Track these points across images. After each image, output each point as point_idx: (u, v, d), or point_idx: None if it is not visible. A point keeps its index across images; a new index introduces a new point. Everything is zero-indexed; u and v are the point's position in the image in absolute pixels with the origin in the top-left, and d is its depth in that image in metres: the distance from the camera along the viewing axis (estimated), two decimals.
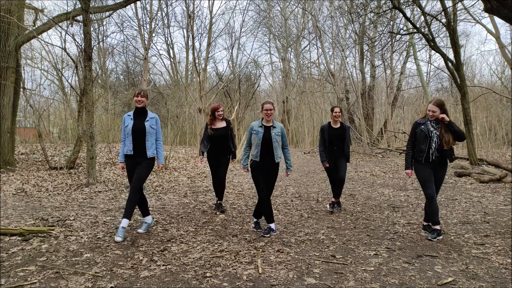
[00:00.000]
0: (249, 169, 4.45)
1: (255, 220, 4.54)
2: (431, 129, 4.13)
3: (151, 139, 4.28)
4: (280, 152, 4.38)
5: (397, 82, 21.54)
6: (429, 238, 4.08)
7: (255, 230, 4.48)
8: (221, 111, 5.51)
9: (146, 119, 4.28)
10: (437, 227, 4.14)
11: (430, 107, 4.14)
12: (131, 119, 4.26)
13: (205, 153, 5.58)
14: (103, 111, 20.83)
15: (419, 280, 2.98)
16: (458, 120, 16.13)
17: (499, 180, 8.24)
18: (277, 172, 4.44)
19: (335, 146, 5.47)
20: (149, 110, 4.47)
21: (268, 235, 4.23)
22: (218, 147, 5.47)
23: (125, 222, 4.09)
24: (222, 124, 5.52)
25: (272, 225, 4.34)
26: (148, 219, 4.49)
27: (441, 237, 4.12)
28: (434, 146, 4.09)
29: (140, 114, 4.30)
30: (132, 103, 4.36)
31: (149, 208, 5.66)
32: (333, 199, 5.67)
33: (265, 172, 4.35)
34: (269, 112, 4.31)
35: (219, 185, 5.58)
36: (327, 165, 5.52)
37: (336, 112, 5.50)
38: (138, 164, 4.23)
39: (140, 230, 4.36)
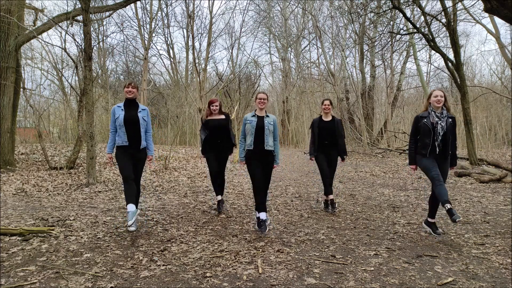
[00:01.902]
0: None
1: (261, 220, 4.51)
2: (436, 119, 4.08)
3: (143, 130, 4.37)
4: (271, 141, 4.43)
5: (397, 82, 21.55)
6: (455, 219, 3.73)
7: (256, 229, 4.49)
8: (216, 105, 5.35)
9: (139, 110, 4.35)
10: (448, 205, 3.88)
11: (435, 93, 4.11)
12: (122, 110, 4.29)
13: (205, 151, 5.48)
14: (103, 111, 20.84)
15: (419, 280, 2.98)
16: (458, 120, 16.12)
17: (499, 180, 8.24)
18: (272, 162, 4.49)
19: (326, 140, 5.43)
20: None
21: (266, 230, 4.22)
22: (216, 138, 5.32)
23: (131, 207, 4.16)
24: (220, 116, 5.42)
25: (262, 215, 4.31)
26: (131, 207, 4.19)
27: (460, 218, 3.85)
28: (440, 138, 4.05)
29: (131, 105, 4.35)
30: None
31: (149, 208, 5.69)
32: (325, 197, 5.67)
33: (259, 160, 4.41)
34: (262, 101, 4.41)
35: (218, 180, 5.46)
36: (313, 159, 5.57)
37: (325, 105, 5.46)
38: (134, 156, 4.30)
39: (130, 225, 4.18)
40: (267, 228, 4.28)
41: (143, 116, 4.35)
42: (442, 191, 3.97)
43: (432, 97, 4.14)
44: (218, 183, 5.50)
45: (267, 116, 4.47)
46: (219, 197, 5.51)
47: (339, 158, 5.64)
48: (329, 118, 5.51)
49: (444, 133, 4.05)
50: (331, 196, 5.59)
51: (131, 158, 4.30)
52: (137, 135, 4.31)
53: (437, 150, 4.06)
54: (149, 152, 4.45)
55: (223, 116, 5.43)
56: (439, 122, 4.06)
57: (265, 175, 4.47)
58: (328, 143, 5.44)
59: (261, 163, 4.42)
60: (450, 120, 4.10)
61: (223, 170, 5.55)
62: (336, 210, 5.53)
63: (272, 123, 4.43)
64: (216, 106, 5.38)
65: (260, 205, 4.39)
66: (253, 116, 4.45)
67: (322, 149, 5.49)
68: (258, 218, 4.48)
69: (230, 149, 5.52)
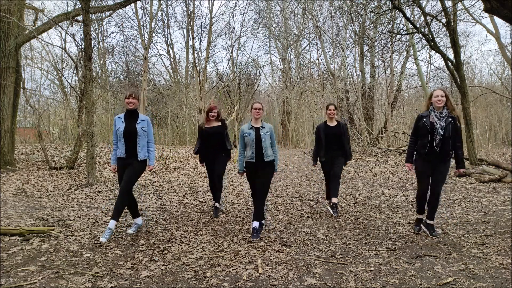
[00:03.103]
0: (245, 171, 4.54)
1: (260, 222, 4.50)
2: (435, 119, 4.03)
3: (142, 141, 4.24)
4: (270, 152, 4.42)
5: (397, 82, 21.55)
6: (416, 230, 4.34)
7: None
8: (215, 112, 5.40)
9: (138, 122, 4.23)
10: (419, 216, 4.41)
11: (436, 93, 4.06)
12: (122, 121, 4.22)
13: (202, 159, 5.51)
14: (103, 111, 20.83)
15: (419, 280, 2.98)
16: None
17: (499, 180, 8.24)
18: (271, 171, 4.45)
19: (333, 145, 5.35)
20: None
21: (257, 238, 4.09)
22: (213, 146, 5.36)
23: (112, 224, 4.05)
24: (217, 124, 5.46)
25: (254, 223, 4.20)
26: (139, 220, 4.46)
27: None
28: (438, 137, 4.00)
29: (131, 117, 4.25)
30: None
31: (149, 208, 5.68)
32: (332, 200, 5.44)
33: (259, 171, 4.40)
34: (258, 111, 4.39)
35: (215, 186, 5.40)
36: (315, 166, 5.59)
37: (330, 110, 5.38)
38: (129, 165, 4.20)
39: (129, 231, 4.31)
40: (259, 237, 4.14)
41: (142, 127, 4.23)
42: (422, 203, 4.36)
43: (433, 97, 4.09)
44: (216, 189, 5.46)
45: (263, 127, 4.43)
46: (217, 204, 5.46)
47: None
48: (334, 123, 5.43)
49: (443, 134, 3.99)
50: (334, 200, 5.42)
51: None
52: (135, 147, 4.20)
53: (437, 150, 4.03)
54: (150, 162, 4.37)
55: (219, 124, 5.47)
56: (437, 121, 4.01)
57: (263, 181, 4.37)
58: (336, 147, 5.36)
59: (260, 173, 4.40)
60: (450, 119, 4.01)
61: (221, 174, 5.47)
62: (337, 214, 5.46)
63: (268, 133, 4.41)
64: (215, 113, 5.42)
65: (257, 216, 4.27)
66: (251, 128, 4.42)
67: (329, 154, 5.39)
68: (260, 224, 4.35)
69: (228, 155, 5.52)
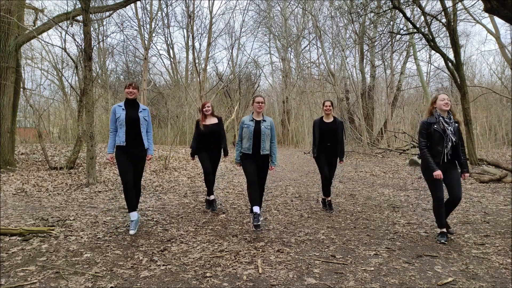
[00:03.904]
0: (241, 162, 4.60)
1: (254, 213, 4.42)
2: (446, 125, 3.92)
3: (144, 130, 4.37)
4: (268, 145, 4.46)
5: (397, 82, 21.55)
6: (442, 241, 3.91)
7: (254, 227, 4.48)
8: (208, 106, 5.52)
9: (140, 110, 4.35)
10: (444, 229, 4.04)
11: (442, 97, 3.97)
12: (123, 109, 4.28)
13: (196, 153, 5.60)
14: (103, 111, 20.82)
15: (419, 280, 2.98)
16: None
17: (499, 180, 8.24)
18: (267, 165, 4.52)
19: (328, 142, 5.35)
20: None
21: (259, 224, 4.21)
22: (210, 144, 5.44)
23: (134, 215, 4.33)
24: (214, 120, 5.54)
25: (255, 208, 4.26)
26: (134, 215, 4.37)
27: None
28: (450, 144, 3.91)
29: (132, 105, 4.35)
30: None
31: (149, 208, 5.69)
32: (323, 197, 5.72)
33: (255, 163, 4.43)
34: (260, 105, 4.43)
35: (211, 180, 5.58)
36: (314, 156, 5.57)
37: (326, 106, 5.40)
38: (133, 156, 4.28)
39: (131, 231, 4.29)
40: (260, 226, 4.27)
41: (144, 116, 4.35)
42: (441, 212, 3.99)
43: (439, 100, 3.98)
44: (211, 183, 5.59)
45: (264, 120, 4.48)
46: (212, 197, 5.66)
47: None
48: (331, 120, 5.45)
49: (454, 140, 3.91)
50: (329, 198, 5.69)
51: (131, 160, 4.28)
52: (137, 135, 4.30)
53: (447, 158, 3.92)
54: (149, 152, 4.45)
55: (215, 120, 5.56)
56: (448, 128, 3.91)
57: (260, 176, 4.48)
58: (330, 145, 5.36)
59: (256, 164, 4.45)
60: (456, 125, 3.97)
61: (215, 171, 5.65)
62: (333, 212, 5.55)
63: (268, 127, 4.45)
64: (209, 107, 5.53)
65: (254, 201, 4.31)
66: (251, 120, 4.46)
67: (324, 151, 5.42)
68: (254, 212, 4.32)
69: (225, 152, 5.64)
